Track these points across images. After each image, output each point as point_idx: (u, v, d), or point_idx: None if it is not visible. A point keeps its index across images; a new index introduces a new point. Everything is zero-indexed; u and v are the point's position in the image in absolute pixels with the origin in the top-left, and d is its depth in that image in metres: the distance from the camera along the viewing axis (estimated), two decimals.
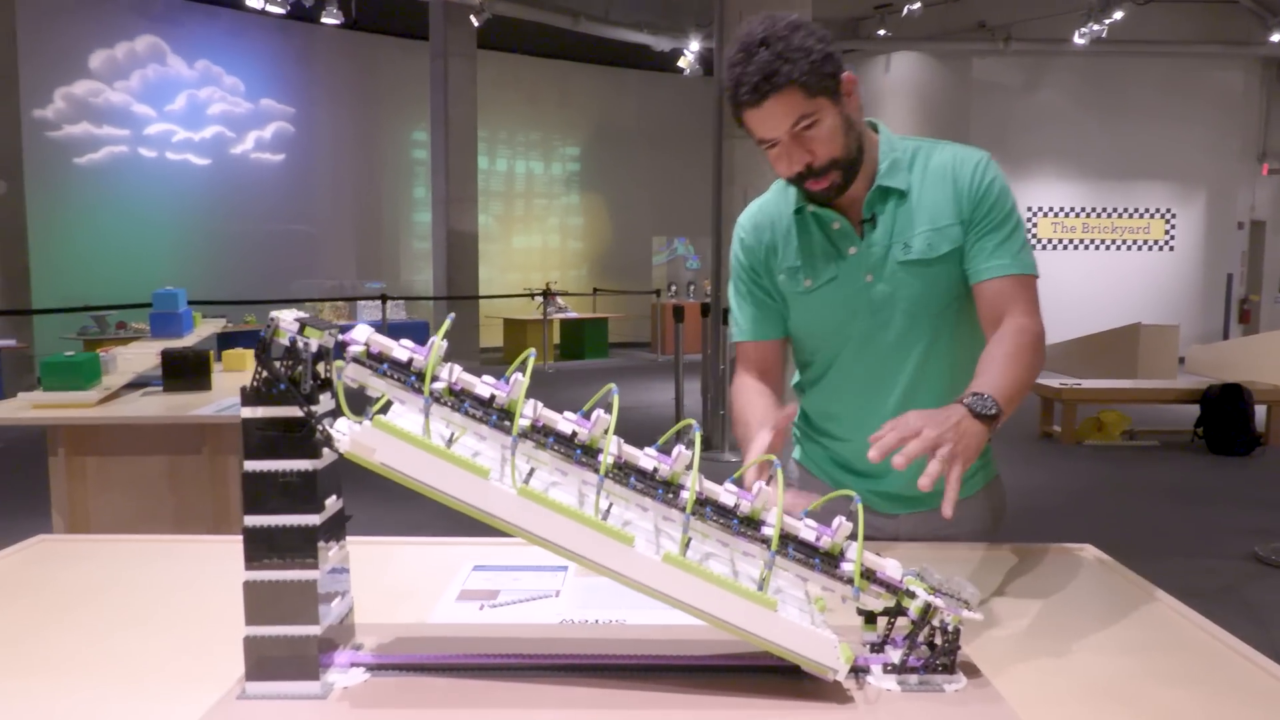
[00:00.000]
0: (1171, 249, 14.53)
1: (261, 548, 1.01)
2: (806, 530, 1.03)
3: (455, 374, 1.01)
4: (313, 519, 1.01)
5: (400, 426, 0.97)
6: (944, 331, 1.56)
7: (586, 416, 1.02)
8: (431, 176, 13.66)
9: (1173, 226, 14.47)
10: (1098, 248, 14.33)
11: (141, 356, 3.93)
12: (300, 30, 13.05)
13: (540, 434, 1.01)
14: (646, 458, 1.02)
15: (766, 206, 1.65)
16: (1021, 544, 1.62)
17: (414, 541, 1.62)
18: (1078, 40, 12.60)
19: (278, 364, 0.99)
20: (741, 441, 1.52)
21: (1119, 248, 14.34)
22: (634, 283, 15.74)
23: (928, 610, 1.02)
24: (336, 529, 1.08)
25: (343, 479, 1.08)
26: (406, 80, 14.05)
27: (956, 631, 1.03)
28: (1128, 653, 1.16)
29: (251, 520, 1.01)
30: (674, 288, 15.26)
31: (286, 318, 1.00)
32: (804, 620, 1.01)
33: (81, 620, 1.26)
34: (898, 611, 1.04)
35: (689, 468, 1.02)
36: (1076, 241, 14.27)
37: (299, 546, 1.01)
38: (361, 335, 1.01)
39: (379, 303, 11.38)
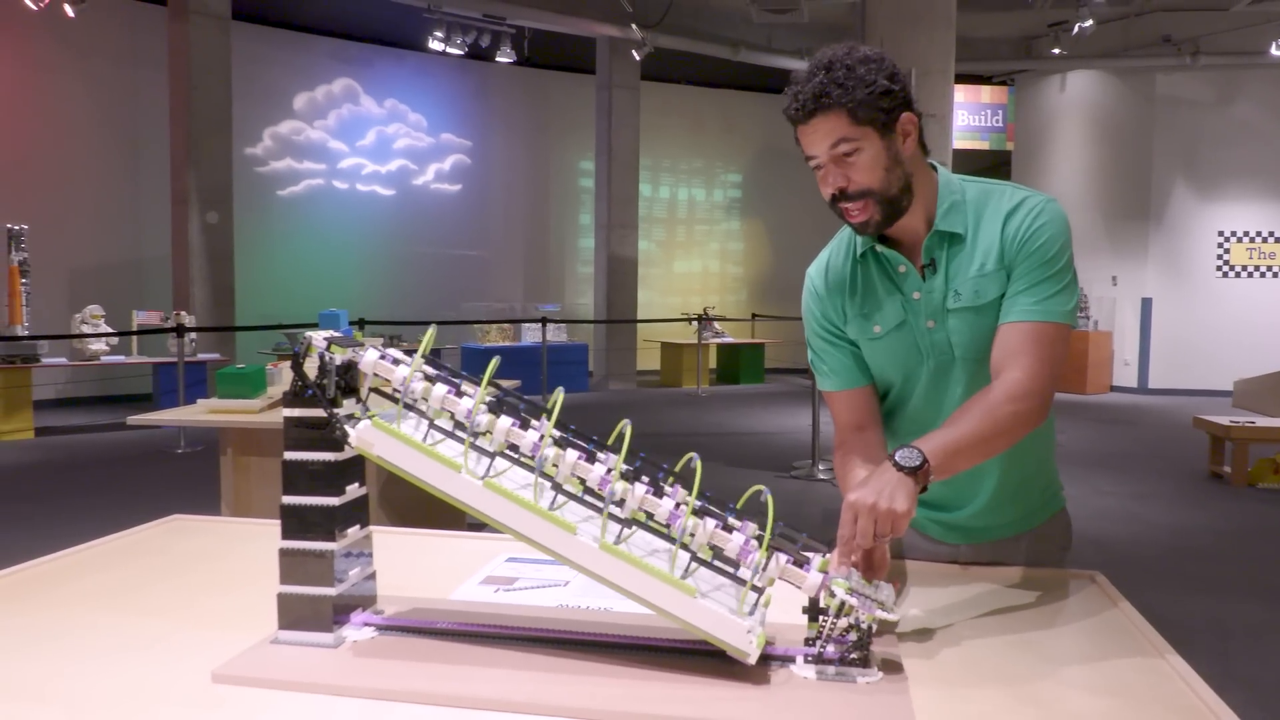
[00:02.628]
0: None
1: (293, 523, 1.25)
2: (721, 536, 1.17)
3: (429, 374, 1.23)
4: (333, 500, 1.24)
5: (393, 426, 1.18)
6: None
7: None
8: (595, 203, 14.23)
9: None
10: None
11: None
12: (477, 69, 13.97)
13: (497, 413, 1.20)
14: (585, 448, 1.20)
15: (835, 253, 1.64)
16: (1033, 569, 1.66)
17: (464, 536, 1.85)
18: (1275, 52, 11.70)
19: (310, 373, 1.23)
20: None
21: None
22: (793, 308, 15.61)
23: (843, 608, 1.14)
24: (358, 512, 1.30)
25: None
26: (574, 111, 14.74)
27: (869, 629, 1.14)
28: (1067, 666, 1.23)
29: (287, 500, 1.25)
30: None
31: (318, 337, 1.24)
32: (726, 607, 1.14)
33: (183, 580, 1.55)
34: (818, 610, 1.17)
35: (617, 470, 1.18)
36: (1277, 269, 13.11)
37: (320, 523, 1.24)
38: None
39: (540, 324, 11.94)
